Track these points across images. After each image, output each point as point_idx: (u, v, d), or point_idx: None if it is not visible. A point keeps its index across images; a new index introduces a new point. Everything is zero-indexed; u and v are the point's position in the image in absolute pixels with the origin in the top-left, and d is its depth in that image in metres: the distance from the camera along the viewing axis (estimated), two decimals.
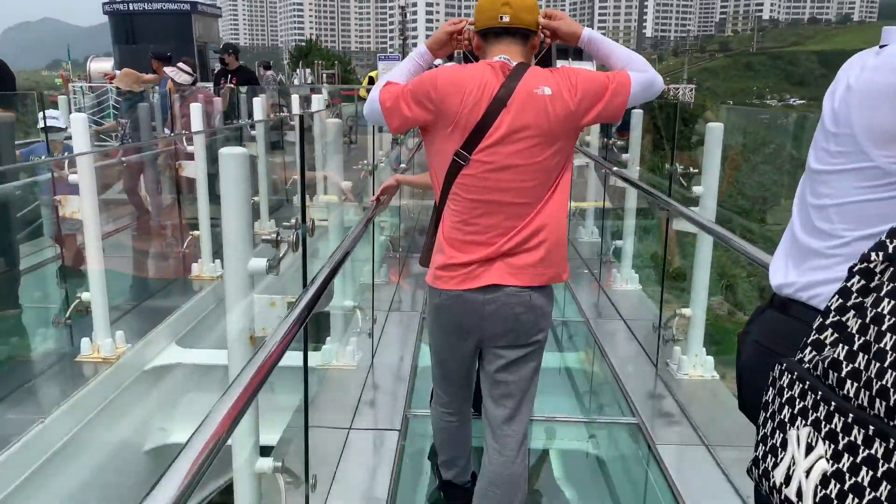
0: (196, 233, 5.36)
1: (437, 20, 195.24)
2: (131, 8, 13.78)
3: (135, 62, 10.71)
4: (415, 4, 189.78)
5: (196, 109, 5.40)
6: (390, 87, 1.98)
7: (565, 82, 1.88)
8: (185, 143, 5.55)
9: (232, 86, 8.06)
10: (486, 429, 2.12)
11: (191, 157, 5.46)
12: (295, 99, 8.70)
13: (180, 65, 8.45)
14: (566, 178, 1.97)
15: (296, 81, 20.04)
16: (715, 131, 3.72)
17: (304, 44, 56.62)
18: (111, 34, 13.80)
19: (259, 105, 7.10)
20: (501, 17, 1.95)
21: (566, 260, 2.05)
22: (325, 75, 21.01)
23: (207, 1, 14.57)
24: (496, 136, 1.85)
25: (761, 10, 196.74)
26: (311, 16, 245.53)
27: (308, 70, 21.89)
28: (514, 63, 1.92)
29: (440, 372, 2.26)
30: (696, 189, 3.77)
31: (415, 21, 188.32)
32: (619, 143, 5.65)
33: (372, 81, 15.99)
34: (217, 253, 5.30)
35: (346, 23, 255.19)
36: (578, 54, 22.26)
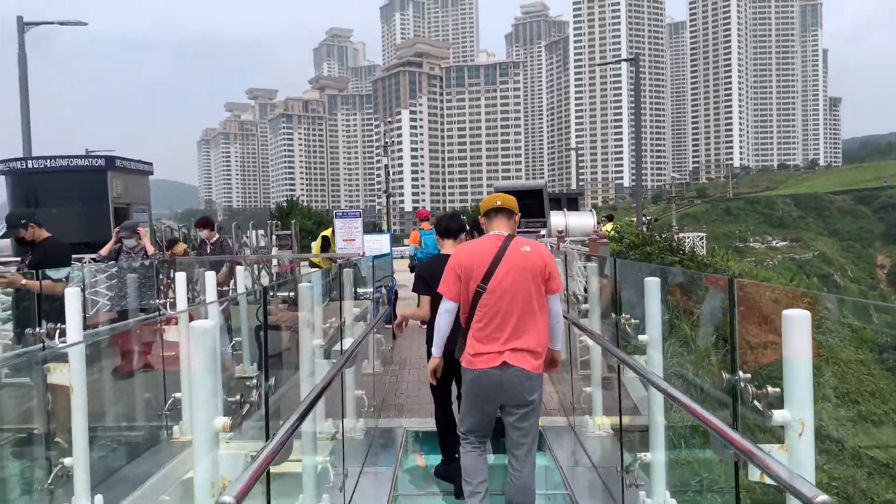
0: None
1: (423, 178, 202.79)
2: (30, 166, 11.46)
3: None
4: (401, 166, 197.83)
5: None
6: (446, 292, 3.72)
7: (539, 247, 3.63)
8: None
9: (14, 276, 5.08)
10: (510, 457, 3.64)
11: None
12: (181, 280, 5.74)
13: None
14: (544, 306, 3.56)
15: (248, 248, 17.25)
16: (797, 322, 2.24)
17: (285, 204, 54.89)
18: (7, 197, 11.39)
19: (73, 303, 4.12)
20: (496, 203, 3.76)
21: (545, 354, 3.63)
22: (276, 237, 17.70)
23: (133, 157, 12.27)
24: (499, 275, 3.48)
25: (731, 159, 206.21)
26: (301, 177, 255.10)
27: (261, 231, 19.13)
28: (506, 234, 3.67)
29: (473, 423, 3.69)
30: (778, 415, 2.27)
31: (401, 179, 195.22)
32: (631, 320, 4.27)
33: (326, 242, 13.67)
34: None
35: (335, 183, 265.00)
36: (573, 205, 20.65)
